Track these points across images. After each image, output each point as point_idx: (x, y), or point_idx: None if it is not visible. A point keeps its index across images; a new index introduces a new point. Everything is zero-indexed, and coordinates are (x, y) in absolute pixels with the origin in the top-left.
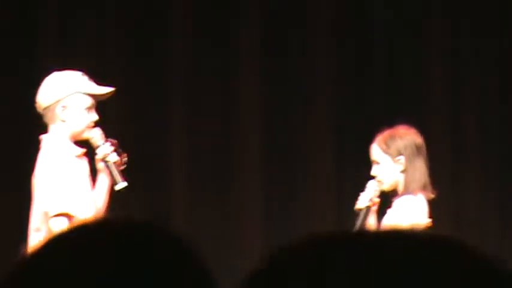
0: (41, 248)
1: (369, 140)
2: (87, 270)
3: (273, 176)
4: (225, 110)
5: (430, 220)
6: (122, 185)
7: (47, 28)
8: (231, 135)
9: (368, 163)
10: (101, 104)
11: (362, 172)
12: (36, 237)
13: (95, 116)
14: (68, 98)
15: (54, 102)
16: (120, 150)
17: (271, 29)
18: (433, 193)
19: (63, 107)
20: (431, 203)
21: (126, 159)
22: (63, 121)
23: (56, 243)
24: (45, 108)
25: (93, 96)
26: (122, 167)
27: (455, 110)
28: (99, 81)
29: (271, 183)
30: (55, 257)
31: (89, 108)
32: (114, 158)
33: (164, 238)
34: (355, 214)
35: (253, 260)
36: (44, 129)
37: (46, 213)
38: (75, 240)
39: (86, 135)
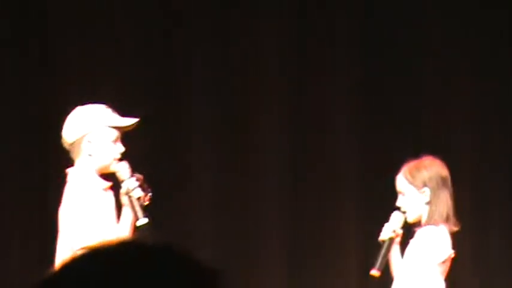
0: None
1: (395, 172)
2: None
3: (298, 196)
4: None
5: (453, 252)
6: (143, 221)
7: (69, 64)
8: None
9: (393, 194)
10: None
11: (387, 203)
12: None
13: (121, 148)
14: (93, 132)
15: (80, 137)
16: (145, 185)
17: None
18: (456, 225)
19: (89, 141)
20: (455, 235)
21: (150, 194)
22: (90, 155)
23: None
24: (71, 144)
25: (118, 128)
26: (146, 203)
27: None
28: (122, 113)
29: (297, 200)
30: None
31: (115, 141)
32: (138, 193)
33: (191, 262)
34: (379, 245)
35: None
36: (70, 162)
37: (72, 247)
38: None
39: (112, 168)
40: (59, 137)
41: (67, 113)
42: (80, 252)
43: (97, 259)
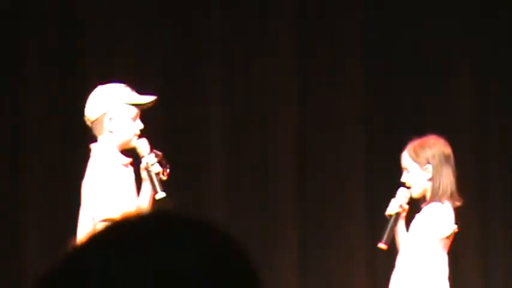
0: (83, 244)
1: (401, 148)
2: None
3: (307, 181)
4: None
5: (456, 226)
6: (161, 195)
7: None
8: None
9: (399, 170)
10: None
11: (393, 178)
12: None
13: (140, 125)
14: (113, 109)
15: (101, 115)
16: (164, 161)
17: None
18: (459, 201)
19: (110, 118)
20: (458, 210)
21: (168, 170)
22: (111, 132)
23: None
24: (93, 121)
25: (137, 105)
26: (164, 178)
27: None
28: (140, 91)
29: (307, 187)
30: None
31: (134, 118)
32: (156, 168)
33: (215, 234)
34: (386, 219)
35: None
36: (93, 138)
37: (93, 219)
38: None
39: (133, 144)
40: (82, 114)
41: (89, 92)
42: (101, 225)
43: (118, 231)
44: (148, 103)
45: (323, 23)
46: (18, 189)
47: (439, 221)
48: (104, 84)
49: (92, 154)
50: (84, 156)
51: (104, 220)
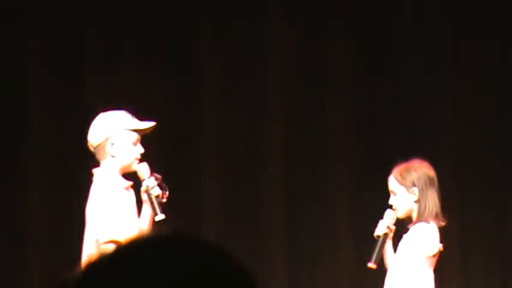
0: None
1: (387, 173)
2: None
3: (298, 191)
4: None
5: (441, 245)
6: (160, 217)
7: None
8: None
9: (386, 193)
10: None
11: (380, 201)
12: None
13: (141, 149)
14: (115, 135)
15: (104, 140)
16: (163, 184)
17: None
18: (443, 221)
19: (112, 144)
20: (442, 230)
21: (167, 193)
22: (113, 156)
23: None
24: (96, 147)
25: (137, 131)
26: (164, 200)
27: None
28: (140, 117)
29: (297, 198)
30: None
31: (135, 143)
32: (156, 191)
33: (229, 262)
34: (374, 240)
35: None
36: (96, 163)
37: (97, 240)
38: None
39: (134, 168)
40: (86, 140)
41: (91, 118)
42: (105, 246)
43: (117, 257)
44: (148, 128)
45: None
46: (22, 202)
47: (426, 240)
48: (105, 111)
49: (95, 178)
50: (87, 181)
51: (108, 241)
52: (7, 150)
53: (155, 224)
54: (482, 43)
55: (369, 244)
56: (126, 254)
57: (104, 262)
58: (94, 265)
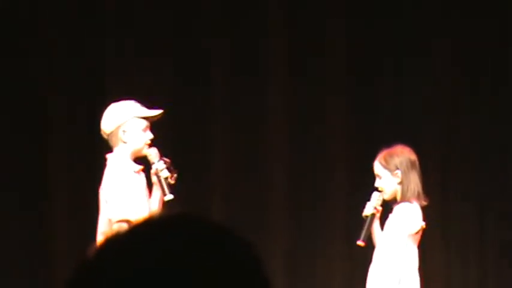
0: (101, 247)
1: (373, 158)
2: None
3: (301, 186)
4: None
5: (424, 223)
6: (169, 197)
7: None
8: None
9: (372, 177)
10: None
11: (369, 184)
12: (101, 239)
13: (150, 135)
14: (126, 123)
15: (116, 128)
16: (171, 167)
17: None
18: (425, 201)
19: (124, 131)
20: (425, 209)
21: (176, 175)
22: (125, 142)
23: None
24: (109, 134)
25: (147, 118)
26: (172, 182)
27: (447, 130)
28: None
29: (299, 191)
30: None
31: (145, 129)
32: (165, 174)
33: (236, 240)
34: (363, 220)
35: None
36: (109, 149)
37: (110, 220)
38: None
39: (144, 153)
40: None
41: (104, 108)
42: (117, 225)
43: (129, 236)
44: (157, 116)
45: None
46: (46, 183)
47: (409, 219)
48: (117, 101)
49: (108, 163)
50: (101, 165)
51: (120, 220)
52: (30, 131)
53: (164, 203)
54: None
55: (360, 223)
56: (139, 234)
57: (117, 241)
58: (108, 244)
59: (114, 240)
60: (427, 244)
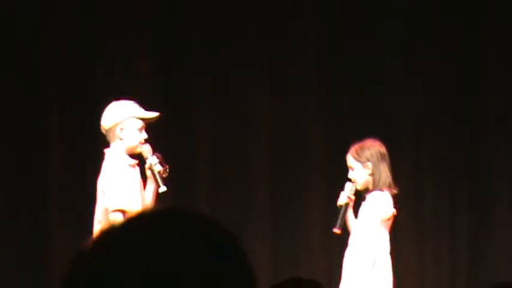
0: (98, 239)
1: (346, 152)
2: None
3: (281, 178)
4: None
5: (395, 210)
6: (163, 188)
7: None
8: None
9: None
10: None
11: (342, 176)
12: (98, 228)
13: (145, 135)
14: (124, 121)
15: (114, 125)
16: (163, 162)
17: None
18: (395, 189)
19: (121, 128)
20: (395, 197)
21: (168, 169)
22: (121, 139)
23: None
24: (107, 130)
25: (143, 119)
26: (165, 175)
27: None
28: (146, 108)
29: (279, 183)
30: (111, 244)
31: (140, 129)
32: (158, 167)
33: (222, 231)
34: (338, 209)
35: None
36: (106, 144)
37: (106, 209)
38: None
39: (138, 150)
40: (99, 124)
41: (104, 106)
42: (114, 214)
43: (124, 229)
44: (153, 118)
45: None
46: (46, 172)
47: (381, 206)
48: (117, 100)
49: (106, 157)
50: (99, 159)
51: (116, 210)
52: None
53: (158, 195)
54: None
55: (335, 212)
56: (132, 227)
57: (112, 234)
58: (103, 237)
59: (109, 233)
60: (398, 229)
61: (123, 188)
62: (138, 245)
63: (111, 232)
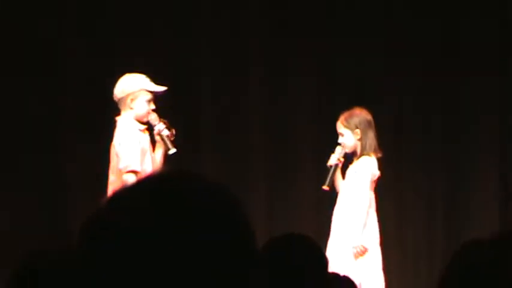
0: (110, 200)
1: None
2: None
3: (276, 142)
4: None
5: (379, 172)
6: (173, 150)
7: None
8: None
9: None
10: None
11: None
12: (111, 187)
13: (152, 106)
14: (135, 92)
15: (126, 95)
16: (170, 127)
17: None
18: (380, 153)
19: (132, 99)
20: (380, 160)
21: (174, 132)
22: (132, 108)
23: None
24: (119, 99)
25: (152, 92)
26: (172, 138)
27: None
28: (156, 82)
29: (274, 149)
30: (121, 207)
31: (149, 101)
32: (166, 132)
33: (213, 187)
34: (328, 168)
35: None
36: (118, 112)
37: (120, 170)
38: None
39: (146, 119)
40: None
41: (118, 77)
42: (127, 175)
43: (135, 190)
44: (161, 91)
45: None
46: (63, 144)
47: (368, 168)
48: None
49: (117, 124)
50: (111, 126)
51: (129, 171)
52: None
53: (167, 156)
54: None
55: (325, 171)
56: (143, 188)
57: (124, 196)
58: (116, 197)
59: (121, 195)
60: (380, 190)
61: (135, 151)
62: (144, 204)
63: (123, 194)
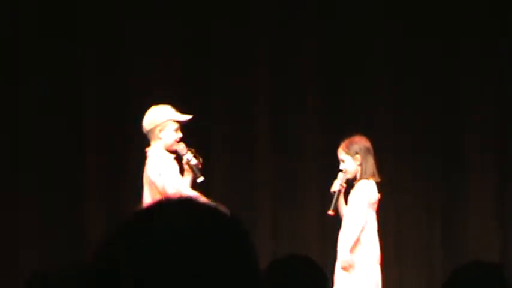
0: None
1: (337, 147)
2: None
3: (283, 171)
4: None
5: (379, 195)
6: (201, 179)
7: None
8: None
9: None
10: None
11: (335, 168)
12: None
13: (180, 134)
14: (163, 123)
15: (154, 127)
16: (197, 155)
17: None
18: (379, 178)
19: (160, 130)
20: (379, 185)
21: (201, 161)
22: (160, 139)
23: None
24: (148, 131)
25: (178, 122)
26: (200, 167)
27: (397, 128)
28: (180, 111)
29: (281, 177)
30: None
31: (176, 130)
32: (194, 161)
33: (227, 217)
34: (331, 194)
35: None
36: (147, 143)
37: (163, 187)
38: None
39: (174, 148)
40: (141, 126)
41: (146, 110)
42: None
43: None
44: (187, 120)
45: None
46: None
47: (368, 192)
48: (156, 105)
49: (149, 154)
50: (141, 157)
51: (174, 192)
52: (66, 113)
53: (197, 184)
54: None
55: (329, 197)
56: (165, 210)
57: (149, 210)
58: (152, 209)
59: (155, 209)
60: (381, 210)
61: (179, 177)
62: (167, 225)
63: (157, 208)
